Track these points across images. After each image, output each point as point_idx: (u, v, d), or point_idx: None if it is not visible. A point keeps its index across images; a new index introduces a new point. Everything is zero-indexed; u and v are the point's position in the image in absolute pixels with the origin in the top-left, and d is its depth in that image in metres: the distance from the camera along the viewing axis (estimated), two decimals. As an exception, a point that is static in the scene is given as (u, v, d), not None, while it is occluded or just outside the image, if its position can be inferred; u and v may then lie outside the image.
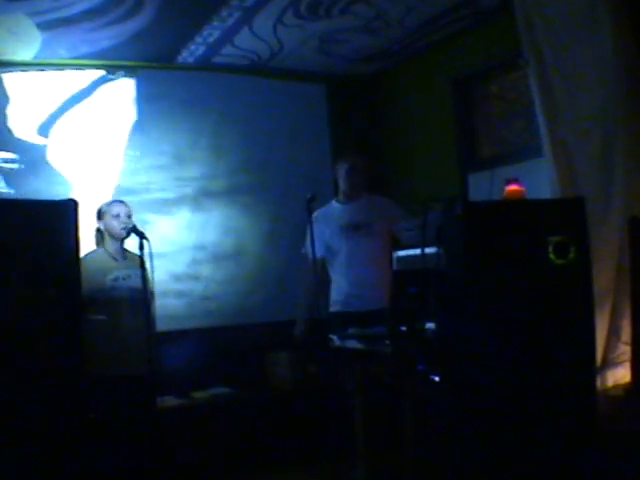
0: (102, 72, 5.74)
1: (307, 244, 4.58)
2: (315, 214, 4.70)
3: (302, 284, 4.66)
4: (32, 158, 5.49)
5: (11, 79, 5.46)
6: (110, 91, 5.78)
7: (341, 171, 4.83)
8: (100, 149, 5.69)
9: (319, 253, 4.60)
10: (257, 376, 5.67)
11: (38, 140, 5.54)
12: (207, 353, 5.60)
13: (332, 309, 4.88)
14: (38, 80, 5.54)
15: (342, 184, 4.85)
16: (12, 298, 3.16)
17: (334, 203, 4.93)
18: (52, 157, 5.58)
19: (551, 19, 3.99)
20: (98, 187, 5.62)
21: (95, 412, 3.77)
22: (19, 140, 5.47)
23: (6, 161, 5.43)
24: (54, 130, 5.58)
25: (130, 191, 5.54)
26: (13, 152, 5.45)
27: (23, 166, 5.46)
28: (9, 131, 5.44)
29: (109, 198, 5.08)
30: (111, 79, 5.79)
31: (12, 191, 5.37)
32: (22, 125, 5.50)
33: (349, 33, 5.37)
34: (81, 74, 5.67)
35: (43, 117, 5.56)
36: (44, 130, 5.57)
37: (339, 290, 4.86)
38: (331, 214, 4.84)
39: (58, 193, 5.23)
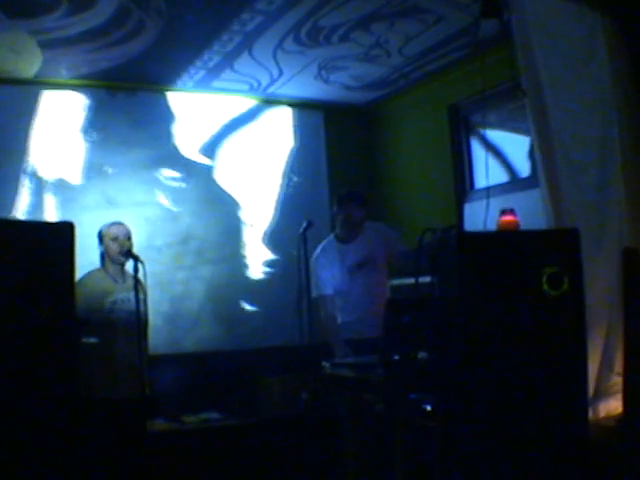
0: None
1: (318, 285, 4.78)
2: (318, 254, 4.85)
3: (329, 322, 4.81)
4: (198, 177, 5.63)
5: (176, 99, 5.63)
6: (270, 118, 6.06)
7: (337, 218, 4.91)
8: (263, 172, 5.93)
9: (328, 292, 4.83)
10: (248, 401, 5.63)
11: (203, 160, 5.66)
12: (198, 377, 5.56)
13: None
14: (202, 102, 5.73)
15: (338, 228, 4.92)
16: (6, 318, 3.14)
17: (335, 242, 4.94)
18: (219, 177, 5.72)
19: (550, 50, 4.02)
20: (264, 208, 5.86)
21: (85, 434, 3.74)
22: (185, 159, 5.60)
23: (173, 179, 5.47)
24: (220, 151, 5.75)
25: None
26: (179, 171, 5.53)
27: (186, 185, 5.58)
28: (175, 149, 5.56)
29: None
30: (271, 107, 6.02)
31: (178, 209, 5.51)
32: (188, 145, 5.63)
33: (348, 60, 5.41)
34: (242, 100, 5.89)
35: (207, 138, 5.72)
36: (209, 151, 5.71)
37: (347, 322, 4.87)
38: (334, 256, 4.89)
39: (224, 213, 5.56)
